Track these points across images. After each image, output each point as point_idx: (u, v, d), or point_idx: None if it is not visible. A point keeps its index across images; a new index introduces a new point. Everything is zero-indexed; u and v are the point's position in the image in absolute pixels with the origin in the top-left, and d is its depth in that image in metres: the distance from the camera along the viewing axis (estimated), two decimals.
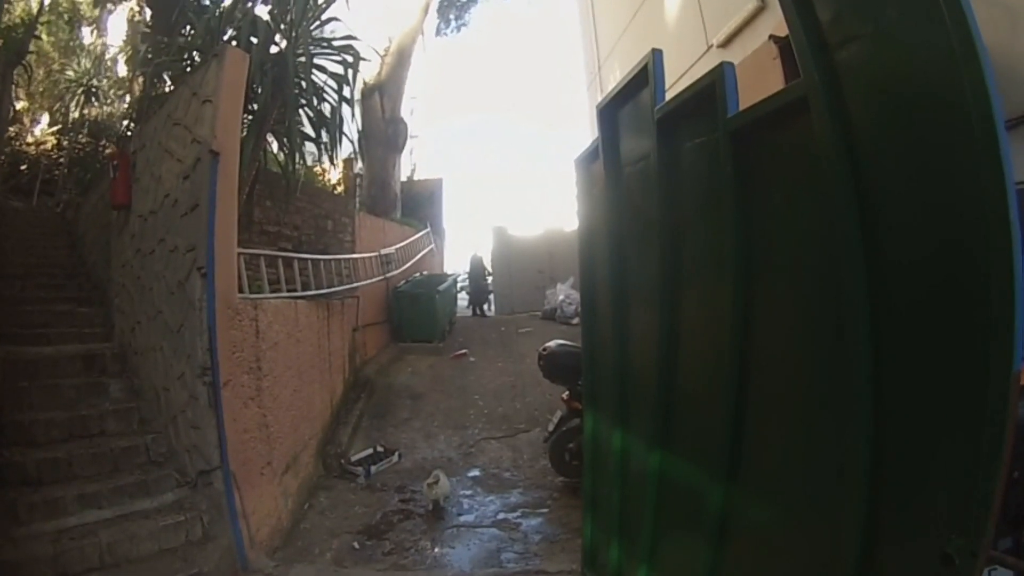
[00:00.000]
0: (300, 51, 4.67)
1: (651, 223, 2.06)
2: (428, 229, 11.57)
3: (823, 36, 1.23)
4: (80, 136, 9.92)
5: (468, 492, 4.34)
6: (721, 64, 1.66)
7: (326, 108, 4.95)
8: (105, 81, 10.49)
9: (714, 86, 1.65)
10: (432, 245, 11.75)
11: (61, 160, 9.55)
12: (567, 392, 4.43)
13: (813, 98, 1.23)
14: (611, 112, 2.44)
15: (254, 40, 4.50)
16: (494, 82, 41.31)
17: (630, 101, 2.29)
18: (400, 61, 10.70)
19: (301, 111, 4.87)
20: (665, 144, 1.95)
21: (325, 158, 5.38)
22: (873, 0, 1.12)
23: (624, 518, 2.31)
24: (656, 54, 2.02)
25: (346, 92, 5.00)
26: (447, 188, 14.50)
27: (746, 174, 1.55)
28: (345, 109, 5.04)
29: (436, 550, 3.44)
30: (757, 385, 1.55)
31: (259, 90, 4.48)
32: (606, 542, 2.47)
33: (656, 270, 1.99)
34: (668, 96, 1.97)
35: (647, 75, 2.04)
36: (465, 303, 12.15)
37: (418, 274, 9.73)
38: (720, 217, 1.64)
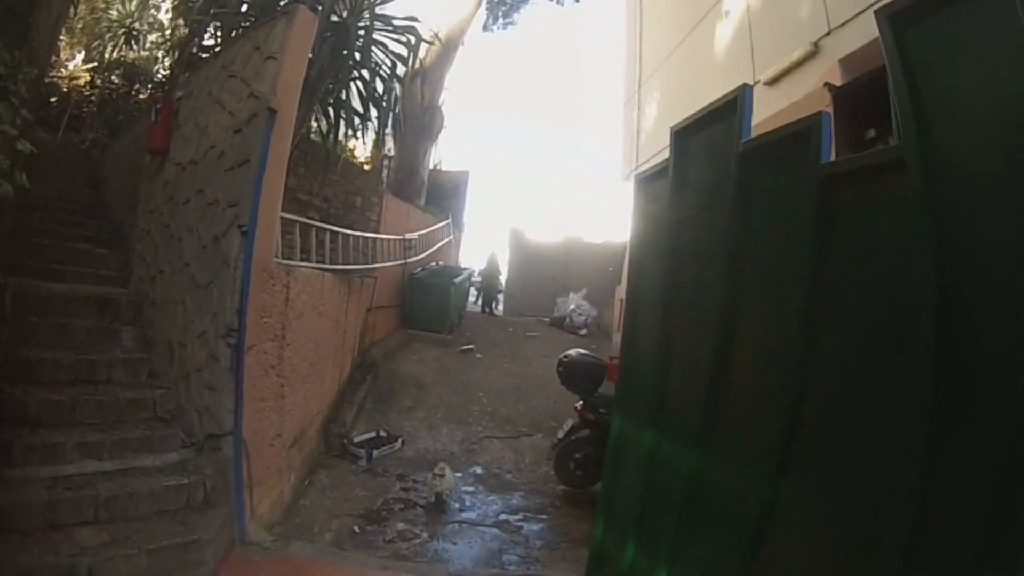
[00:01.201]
0: (362, 24, 4.61)
1: (716, 247, 2.13)
2: (449, 220, 11.50)
3: (926, 107, 1.31)
4: (113, 76, 9.82)
5: (470, 489, 4.27)
6: (820, 113, 1.73)
7: (378, 85, 4.89)
8: (147, 25, 10.40)
9: (810, 132, 1.73)
10: (451, 237, 11.68)
11: (92, 98, 9.46)
12: (581, 402, 4.38)
13: (910, 161, 1.32)
14: (685, 136, 2.50)
15: (319, 7, 4.43)
16: (517, 82, 41.29)
17: (707, 129, 2.34)
18: (446, 50, 10.65)
19: (353, 84, 4.81)
20: (745, 177, 2.01)
21: (370, 134, 5.31)
22: (977, 82, 1.22)
23: (645, 521, 2.35)
24: (746, 90, 2.10)
25: (400, 71, 4.94)
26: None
27: (828, 218, 1.62)
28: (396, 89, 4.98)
29: (437, 543, 3.37)
30: (812, 402, 1.60)
31: (314, 58, 4.41)
32: (619, 546, 2.50)
33: (716, 290, 2.07)
34: None
35: (734, 108, 2.10)
36: (473, 299, 12.10)
37: (435, 263, 9.66)
38: (795, 254, 1.73)
